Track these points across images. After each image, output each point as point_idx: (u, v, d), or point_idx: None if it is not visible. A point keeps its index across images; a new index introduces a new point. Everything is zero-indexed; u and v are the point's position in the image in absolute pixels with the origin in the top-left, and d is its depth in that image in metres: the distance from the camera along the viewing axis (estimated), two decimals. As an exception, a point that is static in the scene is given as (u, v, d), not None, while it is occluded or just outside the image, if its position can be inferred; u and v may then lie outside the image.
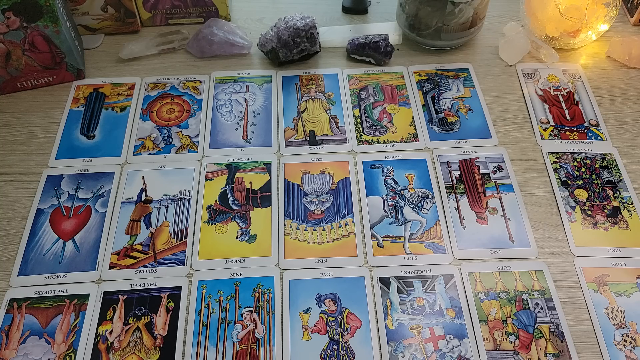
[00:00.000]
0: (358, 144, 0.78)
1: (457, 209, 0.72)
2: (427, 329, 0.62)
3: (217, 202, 0.72)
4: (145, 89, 0.85)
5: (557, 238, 0.69)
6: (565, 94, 0.85)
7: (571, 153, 0.77)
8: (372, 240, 0.69)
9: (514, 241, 0.69)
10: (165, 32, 0.92)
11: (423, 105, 0.83)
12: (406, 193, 0.73)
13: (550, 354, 0.60)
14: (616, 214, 0.71)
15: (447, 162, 0.76)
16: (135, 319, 0.62)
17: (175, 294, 0.64)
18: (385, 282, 0.65)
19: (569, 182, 0.74)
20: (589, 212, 0.71)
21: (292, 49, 0.85)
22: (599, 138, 0.79)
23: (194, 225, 0.70)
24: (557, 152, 0.77)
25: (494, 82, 0.87)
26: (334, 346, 0.61)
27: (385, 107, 0.83)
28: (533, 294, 0.64)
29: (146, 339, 0.61)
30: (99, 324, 0.62)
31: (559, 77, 0.87)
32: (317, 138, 0.79)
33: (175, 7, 0.93)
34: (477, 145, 0.78)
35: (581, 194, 0.73)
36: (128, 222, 0.70)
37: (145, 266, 0.67)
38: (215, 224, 0.70)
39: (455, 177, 0.75)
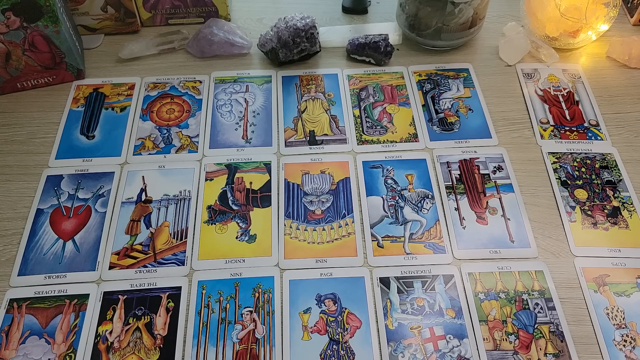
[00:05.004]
0: (358, 144, 0.78)
1: (457, 209, 0.72)
2: (427, 329, 0.62)
3: (217, 202, 0.72)
4: (145, 89, 0.85)
5: (557, 238, 0.69)
6: (565, 94, 0.85)
7: (571, 153, 0.77)
8: (372, 240, 0.69)
9: (514, 241, 0.69)
10: (165, 32, 0.92)
11: (423, 105, 0.83)
12: (406, 193, 0.73)
13: (550, 354, 0.60)
14: (616, 214, 0.71)
15: (447, 162, 0.76)
16: (135, 319, 0.62)
17: (175, 294, 0.64)
18: (385, 282, 0.65)
19: (569, 182, 0.74)
20: (589, 212, 0.71)
21: (292, 49, 0.85)
22: (599, 138, 0.79)
23: (194, 225, 0.70)
24: (557, 152, 0.77)
25: (494, 82, 0.87)
26: (334, 346, 0.61)
27: (385, 107, 0.83)
28: (533, 294, 0.64)
29: (146, 339, 0.61)
30: (99, 324, 0.62)
31: (559, 77, 0.87)
32: (317, 138, 0.79)
33: (175, 7, 0.92)
34: (477, 145, 0.78)
35: (581, 194, 0.73)
36: (128, 222, 0.70)
37: (145, 266, 0.67)
38: (215, 224, 0.70)
39: (455, 177, 0.75)
